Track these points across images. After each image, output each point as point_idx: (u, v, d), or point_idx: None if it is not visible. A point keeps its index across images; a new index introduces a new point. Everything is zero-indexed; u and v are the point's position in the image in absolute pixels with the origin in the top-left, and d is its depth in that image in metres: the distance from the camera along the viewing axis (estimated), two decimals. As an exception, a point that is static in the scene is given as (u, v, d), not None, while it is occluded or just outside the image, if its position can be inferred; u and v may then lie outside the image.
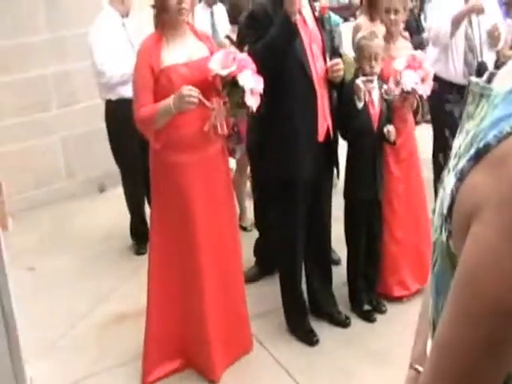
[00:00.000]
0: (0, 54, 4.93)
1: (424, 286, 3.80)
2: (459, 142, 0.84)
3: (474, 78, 0.87)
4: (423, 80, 3.32)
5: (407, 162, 3.67)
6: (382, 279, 3.67)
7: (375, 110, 3.34)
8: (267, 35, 2.94)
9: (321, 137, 3.16)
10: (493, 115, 0.77)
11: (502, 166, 0.71)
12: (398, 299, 3.69)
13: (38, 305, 3.68)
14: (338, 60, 3.17)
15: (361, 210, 3.47)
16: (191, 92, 2.67)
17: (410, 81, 3.27)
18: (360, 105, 3.25)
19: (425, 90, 3.35)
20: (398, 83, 3.31)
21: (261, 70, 2.81)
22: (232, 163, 4.99)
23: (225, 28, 5.42)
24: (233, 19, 4.65)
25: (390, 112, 3.40)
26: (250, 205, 5.04)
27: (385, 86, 3.38)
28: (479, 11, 4.20)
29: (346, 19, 18.61)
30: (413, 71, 3.29)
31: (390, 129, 3.29)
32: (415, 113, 3.61)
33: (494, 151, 0.72)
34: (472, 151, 0.76)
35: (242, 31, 3.61)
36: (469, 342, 0.74)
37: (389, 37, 3.60)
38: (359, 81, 3.25)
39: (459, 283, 0.76)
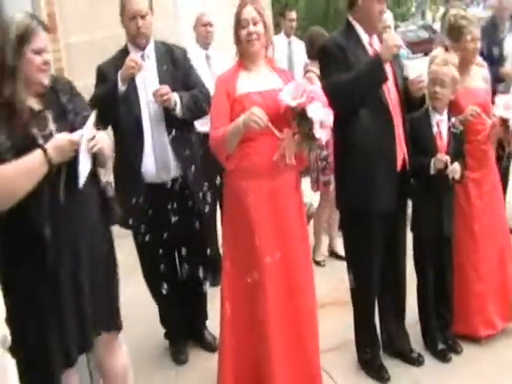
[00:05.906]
0: None
1: (509, 324, 3.57)
2: None
3: None
4: None
5: (490, 194, 3.55)
6: (466, 320, 3.50)
7: (443, 143, 3.25)
8: (354, 72, 2.92)
9: (398, 166, 3.11)
10: None
11: None
12: (482, 339, 3.52)
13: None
14: (420, 73, 3.12)
15: (427, 245, 3.36)
16: (260, 113, 2.71)
17: None
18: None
19: None
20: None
21: (339, 103, 2.80)
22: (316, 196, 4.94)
23: (300, 60, 5.49)
24: (310, 54, 4.69)
25: (459, 145, 3.30)
26: (325, 239, 5.01)
27: (453, 119, 3.30)
28: None
29: (426, 54, 18.37)
30: None
31: (452, 167, 3.15)
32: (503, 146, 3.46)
33: None
34: None
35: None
36: None
37: (464, 67, 3.44)
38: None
39: None
